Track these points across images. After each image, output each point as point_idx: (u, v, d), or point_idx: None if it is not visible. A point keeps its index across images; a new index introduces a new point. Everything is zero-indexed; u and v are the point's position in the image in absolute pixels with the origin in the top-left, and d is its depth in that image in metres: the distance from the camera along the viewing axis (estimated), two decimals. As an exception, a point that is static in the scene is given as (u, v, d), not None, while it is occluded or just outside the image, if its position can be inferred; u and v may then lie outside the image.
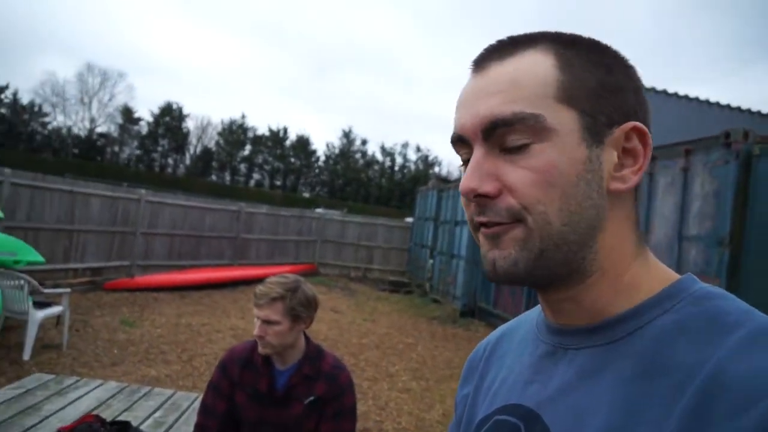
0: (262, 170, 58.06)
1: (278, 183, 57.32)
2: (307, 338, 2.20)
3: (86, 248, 9.74)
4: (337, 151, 59.31)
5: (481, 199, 0.56)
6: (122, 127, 52.52)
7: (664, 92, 10.28)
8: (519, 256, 0.55)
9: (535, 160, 0.54)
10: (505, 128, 0.55)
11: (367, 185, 56.45)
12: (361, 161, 59.18)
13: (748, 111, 10.82)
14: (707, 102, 10.55)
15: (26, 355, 5.43)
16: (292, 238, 15.58)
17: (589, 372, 0.56)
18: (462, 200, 0.59)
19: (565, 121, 0.55)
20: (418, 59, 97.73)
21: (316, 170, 59.45)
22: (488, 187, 0.55)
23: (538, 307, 0.69)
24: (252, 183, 56.49)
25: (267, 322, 2.01)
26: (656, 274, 0.59)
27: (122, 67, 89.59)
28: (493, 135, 0.56)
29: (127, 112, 52.30)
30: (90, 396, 2.51)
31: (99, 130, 51.80)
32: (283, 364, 2.13)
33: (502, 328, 0.80)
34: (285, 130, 57.63)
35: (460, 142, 0.60)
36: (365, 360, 7.03)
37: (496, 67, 0.58)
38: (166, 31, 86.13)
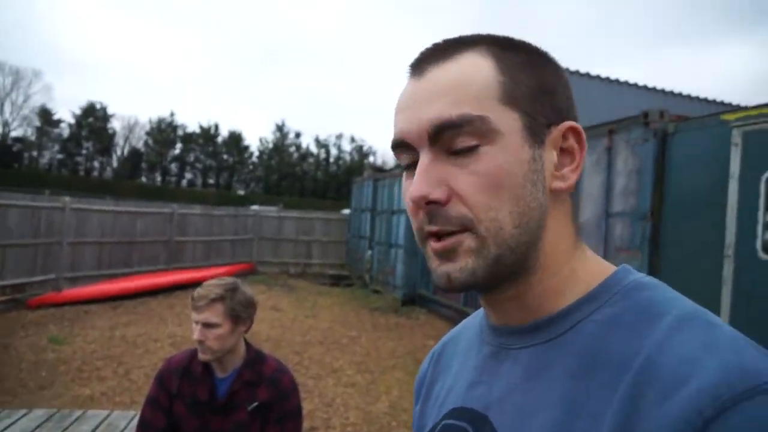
0: (194, 169, 56.53)
1: (211, 181, 55.99)
2: (247, 343, 2.17)
3: (5, 264, 9.16)
4: (270, 145, 58.44)
5: (431, 206, 0.55)
6: (40, 130, 49.75)
7: (587, 75, 10.66)
8: (476, 265, 0.55)
9: (482, 163, 0.54)
10: (451, 131, 0.54)
11: (302, 179, 55.96)
12: (296, 155, 58.54)
13: (662, 91, 11.41)
14: (627, 83, 11.02)
15: (-56, 384, 5.10)
16: (228, 238, 15.26)
17: (533, 370, 0.57)
18: (409, 208, 0.58)
19: (509, 122, 0.55)
20: (350, 49, 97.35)
21: (250, 166, 58.39)
22: (438, 194, 0.54)
23: (480, 311, 0.70)
24: (184, 183, 54.93)
25: (207, 325, 1.97)
26: (593, 268, 0.60)
27: (37, 65, 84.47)
28: (439, 139, 0.55)
29: (44, 114, 49.56)
30: (14, 428, 2.35)
31: (14, 134, 48.89)
32: (224, 371, 2.09)
33: (445, 337, 0.80)
34: (216, 127, 56.26)
35: (402, 147, 0.58)
36: (309, 357, 6.99)
37: (436, 71, 0.57)
38: (86, 26, 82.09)
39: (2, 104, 47.82)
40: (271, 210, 18.54)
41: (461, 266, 0.55)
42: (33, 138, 49.84)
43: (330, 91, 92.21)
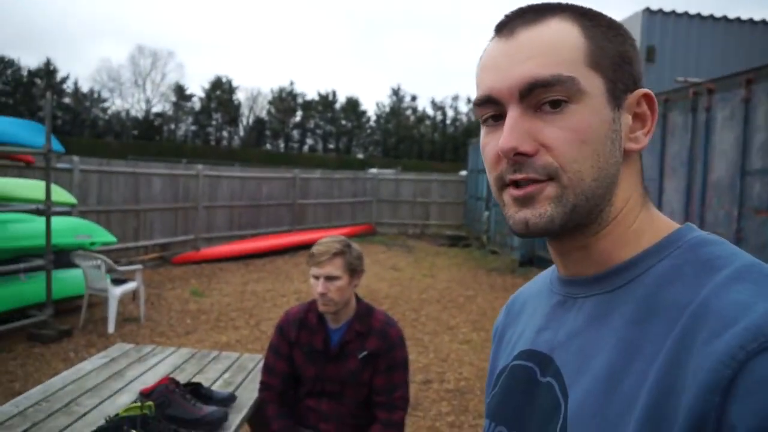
0: (315, 135, 58.49)
1: (331, 146, 57.70)
2: (357, 297, 2.33)
3: (153, 226, 10.25)
4: (387, 109, 58.92)
5: (519, 157, 0.59)
6: (176, 105, 53.86)
7: (724, 18, 9.66)
8: (554, 213, 0.60)
9: (569, 120, 0.59)
10: (542, 89, 0.59)
11: (419, 141, 56.02)
12: (412, 118, 58.64)
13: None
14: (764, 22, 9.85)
15: (111, 328, 5.87)
16: (348, 200, 15.81)
17: (596, 317, 0.63)
18: (490, 158, 0.63)
19: (594, 84, 0.60)
20: (463, 10, 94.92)
21: (368, 131, 59.39)
22: (527, 146, 0.59)
23: (552, 267, 0.76)
24: (306, 149, 57.10)
25: (329, 278, 2.14)
26: (658, 224, 0.65)
27: (171, 46, 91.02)
28: (529, 96, 0.59)
29: (179, 90, 53.50)
30: (166, 362, 2.74)
31: (155, 110, 53.37)
32: (337, 322, 2.27)
33: (520, 289, 0.87)
34: (334, 94, 57.62)
35: (488, 102, 0.63)
36: (426, 315, 7.20)
37: (525, 33, 0.61)
38: (210, 6, 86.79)
39: (144, 83, 52.28)
40: (388, 173, 18.89)
41: (540, 212, 0.60)
42: (170, 112, 54.08)
43: (445, 53, 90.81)
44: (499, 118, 0.63)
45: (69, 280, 6.31)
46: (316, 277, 2.16)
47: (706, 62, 9.15)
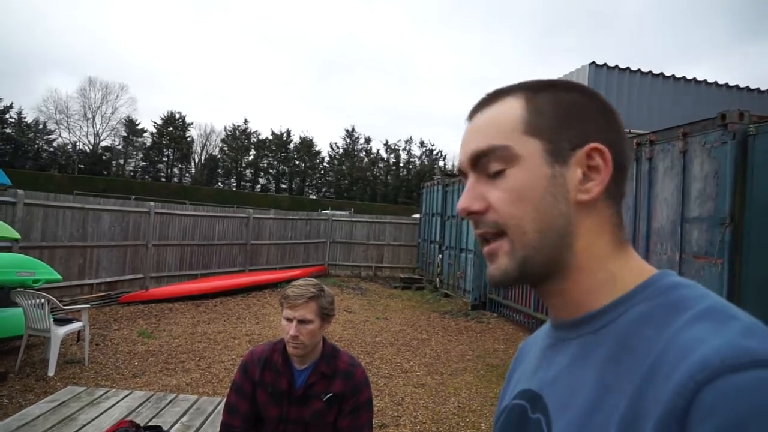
0: (268, 174, 58.21)
1: (284, 186, 57.49)
2: (324, 339, 2.32)
3: (100, 263, 9.92)
4: (341, 150, 59.43)
5: (473, 216, 0.70)
6: (126, 140, 52.82)
7: (661, 75, 10.32)
8: (508, 266, 0.69)
9: (507, 182, 0.68)
10: (485, 158, 0.69)
11: (373, 184, 56.50)
12: (366, 160, 59.24)
13: (747, 89, 10.84)
14: (705, 82, 10.57)
15: (51, 371, 5.59)
16: (302, 241, 15.73)
17: (579, 357, 0.68)
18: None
19: (529, 148, 0.68)
20: (417, 56, 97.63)
21: (322, 171, 59.57)
22: (476, 206, 0.70)
23: None
24: (258, 188, 56.68)
25: (302, 321, 2.14)
26: (635, 269, 0.70)
27: (123, 79, 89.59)
28: (478, 164, 0.70)
29: (130, 124, 52.62)
30: (120, 405, 2.65)
31: (103, 143, 52.17)
32: (302, 363, 2.25)
33: (530, 335, 0.94)
34: (288, 133, 57.78)
35: (462, 174, 0.74)
36: (380, 358, 7.16)
37: (479, 115, 0.73)
38: (166, 41, 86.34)
39: (93, 116, 51.20)
40: (342, 214, 18.93)
41: (497, 266, 0.70)
42: (120, 147, 52.97)
43: (399, 97, 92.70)
44: None
45: (7, 319, 6.01)
46: (289, 320, 2.16)
47: (646, 115, 9.71)
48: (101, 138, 51.84)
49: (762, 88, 11.01)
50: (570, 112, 0.70)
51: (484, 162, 0.70)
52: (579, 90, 0.72)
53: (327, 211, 20.97)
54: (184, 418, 2.54)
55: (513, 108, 0.70)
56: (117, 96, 53.42)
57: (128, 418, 2.25)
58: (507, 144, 0.68)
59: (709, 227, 5.30)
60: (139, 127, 53.52)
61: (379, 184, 56.87)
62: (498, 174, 0.69)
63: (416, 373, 6.52)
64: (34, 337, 5.91)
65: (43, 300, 5.69)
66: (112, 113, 52.20)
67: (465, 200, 0.71)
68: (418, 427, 4.86)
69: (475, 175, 0.71)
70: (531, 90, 0.71)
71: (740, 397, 0.48)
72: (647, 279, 0.68)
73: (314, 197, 52.88)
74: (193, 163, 56.38)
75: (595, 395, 0.62)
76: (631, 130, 7.65)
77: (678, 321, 0.59)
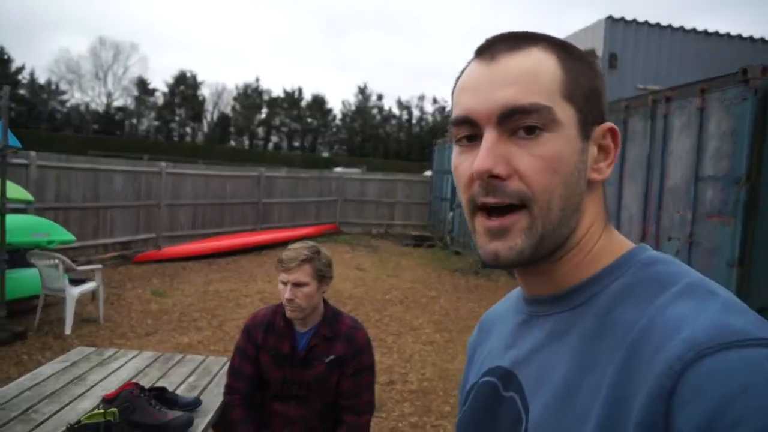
0: (280, 132, 57.95)
1: (296, 144, 57.30)
2: (325, 302, 2.34)
3: (114, 224, 10.03)
4: (353, 108, 58.79)
5: (491, 180, 0.61)
6: (138, 100, 52.68)
7: (681, 29, 9.98)
8: (524, 245, 0.62)
9: (544, 147, 0.61)
10: (521, 116, 0.60)
11: (385, 141, 56.07)
12: (378, 117, 58.70)
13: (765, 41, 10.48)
14: (725, 35, 10.22)
15: (68, 330, 5.73)
16: (313, 200, 15.75)
17: (555, 334, 0.66)
18: (463, 180, 0.65)
19: (568, 115, 0.62)
20: (428, 12, 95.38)
21: (334, 129, 59.19)
22: (501, 169, 0.61)
23: (519, 288, 0.78)
24: (270, 146, 56.50)
25: (297, 284, 2.15)
26: (615, 245, 0.68)
27: (134, 39, 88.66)
28: (507, 121, 0.61)
29: (142, 84, 52.32)
30: (129, 365, 2.70)
31: (116, 104, 52.04)
32: (304, 326, 2.27)
33: (490, 309, 0.91)
34: (300, 91, 57.41)
35: (466, 123, 0.64)
36: (389, 315, 7.24)
37: (506, 59, 0.63)
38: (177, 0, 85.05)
39: (105, 76, 50.98)
40: (354, 172, 18.88)
41: (511, 245, 0.62)
42: (132, 107, 52.90)
43: (411, 53, 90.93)
44: (473, 138, 0.64)
45: (24, 279, 6.13)
46: (284, 283, 2.17)
47: (665, 70, 9.44)
48: (114, 98, 51.78)
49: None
50: (594, 85, 0.66)
51: (518, 119, 0.60)
52: (594, 63, 0.69)
53: (338, 169, 20.92)
54: (191, 378, 2.59)
55: (550, 65, 0.63)
56: (128, 55, 53.36)
57: (135, 380, 2.30)
58: (551, 105, 0.61)
59: (724, 186, 5.21)
60: (150, 86, 53.27)
61: (391, 141, 56.44)
62: (531, 135, 0.61)
63: (425, 331, 6.60)
64: (51, 296, 6.03)
65: (57, 261, 5.78)
66: (124, 73, 52.12)
67: (487, 159, 0.60)
68: (425, 383, 4.94)
69: (498, 131, 0.61)
70: (560, 49, 0.65)
71: (725, 377, 0.48)
72: (626, 253, 0.66)
73: (327, 155, 52.69)
74: (205, 122, 56.25)
75: (574, 374, 0.60)
76: (647, 87, 7.45)
77: (660, 298, 0.58)
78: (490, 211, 0.62)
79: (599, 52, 9.47)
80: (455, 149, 0.67)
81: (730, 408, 0.46)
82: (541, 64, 0.63)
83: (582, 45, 9.87)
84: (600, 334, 0.60)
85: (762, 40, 10.51)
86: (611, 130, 0.67)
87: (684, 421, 0.48)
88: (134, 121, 52.97)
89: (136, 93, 52.04)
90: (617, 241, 0.69)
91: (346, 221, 16.40)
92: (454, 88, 0.69)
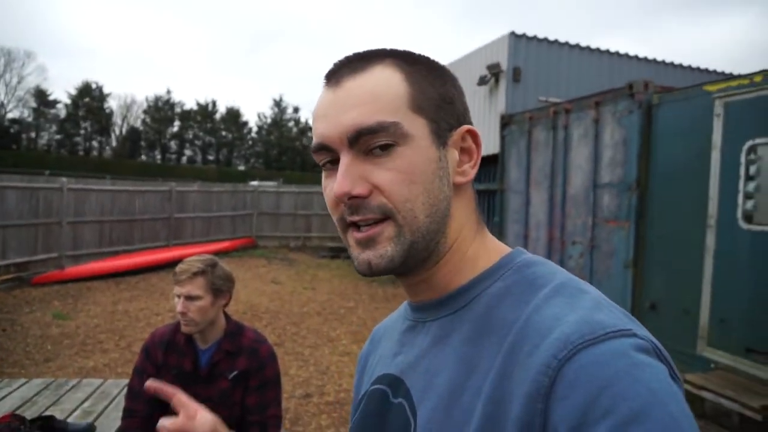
0: (194, 146, 56.30)
1: (211, 158, 55.83)
2: (227, 316, 2.28)
3: (7, 243, 9.33)
4: (269, 121, 58.10)
5: (354, 200, 0.62)
6: (37, 111, 49.52)
7: (578, 46, 10.60)
8: (394, 252, 0.63)
9: (398, 161, 0.62)
10: (369, 136, 0.61)
11: (302, 153, 55.74)
12: (295, 129, 58.24)
13: (655, 61, 11.35)
14: (618, 54, 10.95)
15: (-47, 360, 5.27)
16: (228, 214, 15.38)
17: (440, 338, 0.67)
18: (329, 201, 0.66)
19: (418, 127, 0.63)
20: (344, 24, 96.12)
21: (249, 142, 58.14)
22: (360, 189, 0.62)
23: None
24: (184, 160, 54.79)
25: (189, 297, 2.08)
26: (491, 249, 0.71)
27: (29, 46, 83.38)
28: (357, 142, 0.62)
29: (40, 95, 49.28)
30: (13, 396, 2.51)
31: (10, 115, 48.68)
32: (205, 342, 2.21)
33: (382, 321, 0.92)
34: (214, 104, 55.84)
35: (323, 150, 0.65)
36: (307, 328, 7.16)
37: (350, 82, 0.64)
38: (77, 6, 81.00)
39: (-4, 85, 47.58)
40: (270, 185, 18.62)
41: (381, 253, 0.63)
42: (30, 119, 49.58)
43: (327, 64, 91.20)
44: (336, 162, 0.65)
45: None
46: (178, 296, 2.11)
47: (565, 84, 9.98)
48: (7, 109, 48.34)
49: (672, 61, 11.59)
50: (444, 92, 0.68)
51: (367, 139, 0.62)
52: (445, 69, 0.71)
53: (254, 182, 20.56)
54: (86, 404, 2.44)
55: (394, 81, 0.64)
56: (23, 63, 49.78)
57: (19, 411, 2.15)
58: (397, 120, 0.62)
59: (619, 192, 5.55)
60: (51, 98, 50.23)
61: (308, 153, 56.06)
62: (384, 154, 0.62)
63: (342, 342, 6.58)
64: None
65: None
66: (19, 83, 48.63)
67: (344, 182, 0.62)
68: (342, 394, 4.92)
69: (353, 153, 0.63)
70: (404, 62, 0.66)
71: (595, 369, 0.50)
72: (504, 257, 0.69)
73: (243, 168, 51.73)
74: (113, 136, 53.71)
75: (457, 376, 0.62)
76: (548, 99, 7.85)
77: (535, 298, 0.60)
78: (360, 226, 0.64)
79: (503, 66, 9.86)
80: (323, 174, 0.69)
81: (599, 399, 0.48)
82: (384, 81, 0.64)
83: (487, 59, 10.26)
84: (481, 336, 0.62)
85: (655, 60, 11.37)
86: (470, 132, 0.69)
87: (559, 417, 0.50)
88: (32, 134, 49.76)
89: (34, 104, 48.91)
90: (492, 244, 0.72)
91: (263, 234, 16.13)
92: (312, 117, 0.69)
